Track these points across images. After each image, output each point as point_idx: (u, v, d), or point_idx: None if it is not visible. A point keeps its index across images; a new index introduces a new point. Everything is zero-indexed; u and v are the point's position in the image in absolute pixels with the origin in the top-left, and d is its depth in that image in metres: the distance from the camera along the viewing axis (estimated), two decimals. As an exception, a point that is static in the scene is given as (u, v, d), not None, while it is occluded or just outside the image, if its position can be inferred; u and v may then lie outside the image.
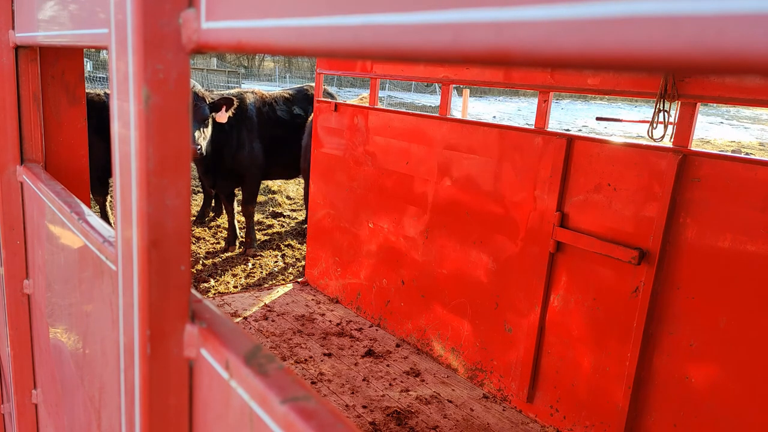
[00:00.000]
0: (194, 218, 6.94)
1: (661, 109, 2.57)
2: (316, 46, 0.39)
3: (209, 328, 0.59)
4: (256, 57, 48.84)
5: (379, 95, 4.50)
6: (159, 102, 0.55)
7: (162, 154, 0.55)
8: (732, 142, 20.16)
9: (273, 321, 4.10)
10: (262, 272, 5.59)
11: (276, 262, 5.93)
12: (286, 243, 6.53)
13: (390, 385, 3.36)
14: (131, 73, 0.56)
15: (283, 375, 0.51)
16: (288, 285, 4.84)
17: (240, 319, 4.11)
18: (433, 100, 28.56)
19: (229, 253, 6.03)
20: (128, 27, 0.58)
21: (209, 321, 0.60)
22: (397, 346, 3.85)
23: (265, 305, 4.36)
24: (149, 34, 0.55)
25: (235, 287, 5.20)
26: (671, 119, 2.58)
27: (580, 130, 18.68)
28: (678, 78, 2.55)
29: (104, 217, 6.42)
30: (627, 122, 4.70)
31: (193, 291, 0.68)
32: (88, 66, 25.75)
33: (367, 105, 4.25)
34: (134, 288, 0.59)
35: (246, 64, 47.36)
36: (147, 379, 0.61)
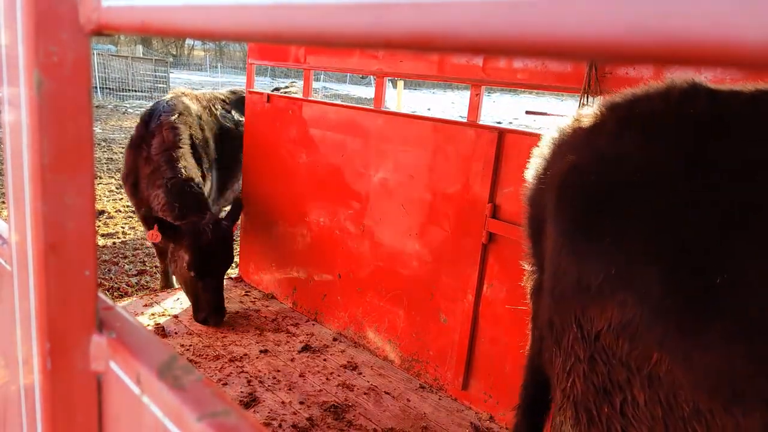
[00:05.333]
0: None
1: (585, 103, 2.67)
2: (226, 28, 0.36)
3: (119, 338, 0.54)
4: (185, 45, 46.94)
5: (314, 87, 4.43)
6: (53, 88, 0.49)
7: (59, 147, 0.49)
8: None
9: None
10: (193, 269, 5.38)
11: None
12: (219, 238, 6.33)
13: (327, 379, 3.33)
14: (21, 55, 0.50)
15: (201, 388, 0.47)
16: (221, 281, 4.69)
17: (170, 317, 3.94)
18: (368, 91, 28.51)
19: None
20: (17, 3, 0.51)
21: (119, 330, 0.55)
22: (334, 340, 3.82)
23: (197, 303, 4.20)
24: (41, 12, 0.49)
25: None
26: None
27: (510, 123, 19.26)
28: (600, 74, 2.64)
29: None
30: (554, 116, 4.88)
31: (103, 296, 0.62)
32: None
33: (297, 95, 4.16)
34: (31, 297, 0.53)
35: (174, 53, 45.42)
36: (49, 397, 0.55)
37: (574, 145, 1.45)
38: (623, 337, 1.23)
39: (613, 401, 1.29)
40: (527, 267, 1.68)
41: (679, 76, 1.32)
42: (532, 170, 1.61)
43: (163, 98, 4.28)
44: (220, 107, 4.84)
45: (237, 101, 5.12)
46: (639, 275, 1.21)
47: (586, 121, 1.46)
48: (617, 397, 1.28)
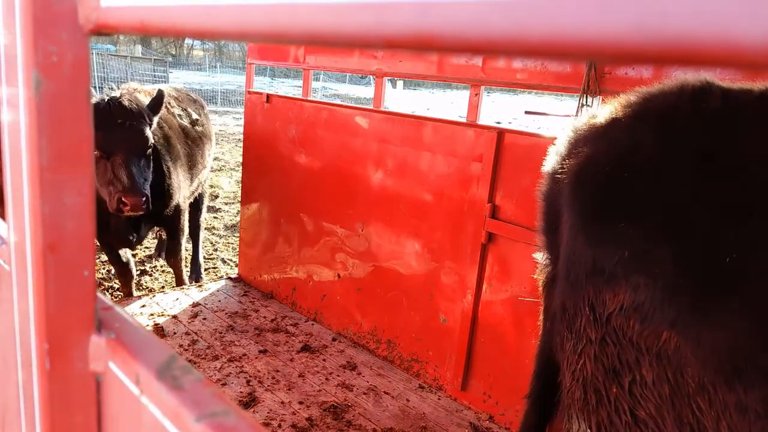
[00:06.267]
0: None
1: (584, 104, 2.67)
2: (225, 28, 0.36)
3: (118, 338, 0.54)
4: (185, 44, 46.91)
5: (314, 86, 4.43)
6: (52, 88, 0.48)
7: (58, 147, 0.49)
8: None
9: (205, 319, 3.96)
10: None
11: (208, 257, 5.73)
12: (219, 238, 6.33)
13: (326, 379, 3.33)
14: (20, 55, 0.49)
15: (201, 388, 0.47)
16: (220, 281, 4.69)
17: (169, 318, 3.94)
18: (368, 91, 28.49)
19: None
20: (16, 3, 0.51)
21: (118, 330, 0.55)
22: (334, 340, 3.82)
23: (197, 303, 4.20)
24: (40, 12, 0.49)
25: (164, 284, 4.98)
26: (595, 113, 2.68)
27: (510, 123, 19.25)
28: (599, 74, 2.64)
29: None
30: (553, 116, 4.88)
31: (102, 297, 0.62)
32: None
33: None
34: (29, 297, 0.53)
35: (174, 52, 45.38)
36: (47, 397, 0.54)
37: (589, 139, 1.49)
38: (634, 318, 1.27)
39: (622, 381, 1.32)
40: (540, 260, 1.72)
41: (692, 75, 1.37)
42: (548, 167, 1.64)
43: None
44: (175, 104, 4.49)
45: (188, 99, 4.80)
46: (651, 258, 1.25)
47: (601, 118, 1.49)
48: (626, 377, 1.31)
